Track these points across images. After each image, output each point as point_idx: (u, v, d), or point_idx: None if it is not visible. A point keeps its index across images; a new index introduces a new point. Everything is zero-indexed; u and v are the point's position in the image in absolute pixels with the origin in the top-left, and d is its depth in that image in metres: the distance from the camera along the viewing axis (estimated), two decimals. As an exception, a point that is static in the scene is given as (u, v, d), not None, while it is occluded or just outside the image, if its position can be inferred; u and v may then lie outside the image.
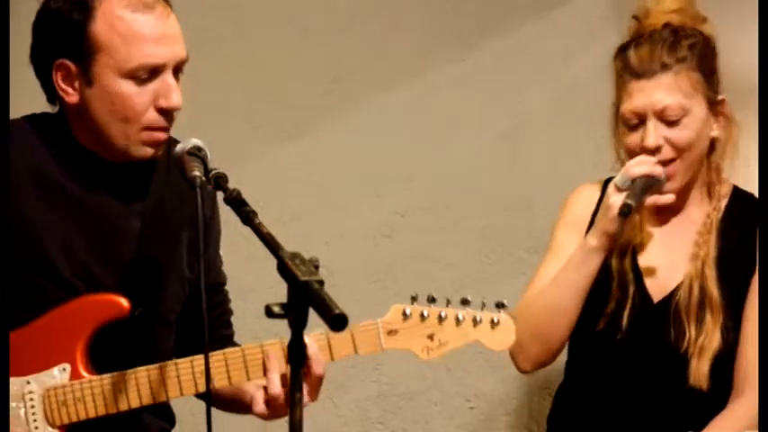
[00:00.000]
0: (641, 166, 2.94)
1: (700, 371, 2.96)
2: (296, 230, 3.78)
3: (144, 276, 2.64)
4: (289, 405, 2.44)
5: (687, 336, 2.98)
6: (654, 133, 2.97)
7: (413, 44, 3.98)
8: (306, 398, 2.49)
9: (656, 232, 3.10)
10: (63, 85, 2.55)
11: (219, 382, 2.58)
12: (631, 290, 3.03)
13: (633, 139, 3.01)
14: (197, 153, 2.51)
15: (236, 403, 2.74)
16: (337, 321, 2.10)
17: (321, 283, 2.16)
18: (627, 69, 3.01)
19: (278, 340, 2.58)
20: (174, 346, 2.79)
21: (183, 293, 2.73)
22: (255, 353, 2.59)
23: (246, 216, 2.38)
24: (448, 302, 2.65)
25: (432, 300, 2.64)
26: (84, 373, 2.55)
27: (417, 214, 3.97)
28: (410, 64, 3.98)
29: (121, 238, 2.63)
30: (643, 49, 3.00)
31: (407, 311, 2.63)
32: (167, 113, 2.56)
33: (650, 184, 2.94)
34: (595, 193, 3.13)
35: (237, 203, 2.41)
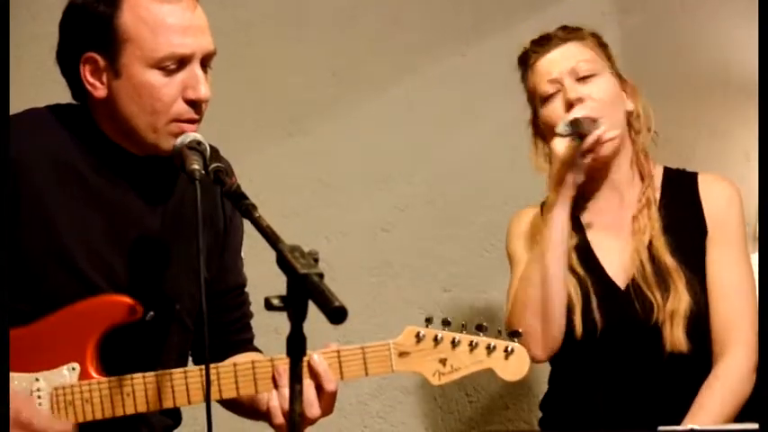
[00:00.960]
0: (579, 110, 3.02)
1: (675, 335, 3.00)
2: (296, 225, 3.78)
3: (160, 274, 2.64)
4: (304, 420, 2.49)
5: (654, 306, 3.01)
6: (571, 88, 3.05)
7: (412, 40, 3.98)
8: (318, 412, 2.54)
9: (604, 223, 3.14)
10: (91, 79, 2.54)
11: (227, 393, 2.57)
12: (599, 285, 3.07)
13: (552, 108, 3.08)
14: (196, 147, 2.51)
15: (253, 411, 2.72)
16: (337, 314, 2.09)
17: (321, 275, 2.15)
18: (533, 53, 3.12)
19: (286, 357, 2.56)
20: (192, 350, 2.79)
21: (199, 294, 2.66)
22: (266, 366, 2.57)
23: (246, 209, 2.38)
24: (463, 327, 2.61)
25: (446, 323, 2.61)
26: (94, 374, 2.54)
27: (417, 209, 3.98)
28: (410, 60, 3.99)
29: (141, 234, 2.62)
30: (541, 39, 3.14)
31: (421, 334, 2.59)
32: (196, 105, 2.55)
33: (591, 123, 3.00)
34: (536, 212, 3.21)
35: (237, 197, 2.42)
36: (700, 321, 3.02)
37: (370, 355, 2.60)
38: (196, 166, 2.46)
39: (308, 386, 2.53)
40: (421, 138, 3.98)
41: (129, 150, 2.60)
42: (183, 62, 2.53)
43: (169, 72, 2.52)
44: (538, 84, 3.11)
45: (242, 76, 3.87)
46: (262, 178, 3.72)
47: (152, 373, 2.55)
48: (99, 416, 2.54)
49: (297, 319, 2.17)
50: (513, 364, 2.61)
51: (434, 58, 4.00)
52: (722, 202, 3.10)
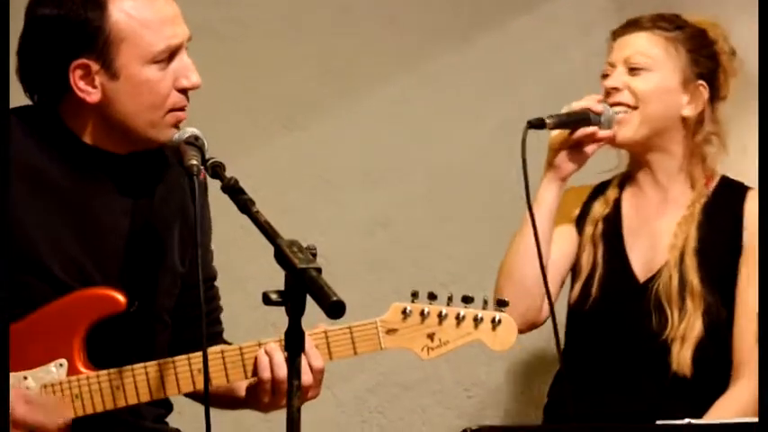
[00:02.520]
0: (585, 100, 3.08)
1: (682, 357, 3.00)
2: (293, 221, 3.77)
3: (135, 272, 2.62)
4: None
5: (669, 322, 3.01)
6: (616, 76, 3.10)
7: (409, 37, 3.98)
8: (311, 379, 2.53)
9: (641, 213, 3.15)
10: (83, 85, 2.51)
11: (217, 381, 2.56)
12: (618, 270, 3.09)
13: (602, 85, 3.14)
14: (194, 142, 2.52)
15: (230, 399, 2.71)
16: (335, 308, 2.10)
17: (319, 270, 2.16)
18: (612, 33, 3.17)
19: (277, 339, 2.56)
20: (169, 343, 2.77)
21: (175, 288, 2.71)
22: (253, 351, 2.57)
23: (244, 204, 2.38)
24: (449, 300, 2.59)
25: (432, 297, 2.59)
26: (82, 369, 2.53)
27: (414, 206, 3.98)
28: (406, 56, 3.99)
29: (112, 232, 2.61)
30: (630, 24, 3.16)
31: (408, 309, 2.58)
32: (186, 93, 2.58)
33: (588, 118, 3.05)
34: (583, 192, 3.25)
35: (235, 191, 2.41)
36: (706, 349, 3.01)
37: (357, 335, 2.60)
38: (194, 162, 2.47)
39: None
40: (418, 134, 3.98)
41: (106, 150, 2.59)
42: (173, 53, 2.54)
43: (163, 65, 2.53)
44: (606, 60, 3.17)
45: (238, 74, 3.87)
46: (259, 174, 3.72)
47: (140, 366, 2.55)
48: (90, 411, 2.53)
49: (295, 313, 2.18)
50: (501, 335, 2.60)
51: (432, 54, 3.99)
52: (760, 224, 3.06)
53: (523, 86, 4.03)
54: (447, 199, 3.97)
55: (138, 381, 2.53)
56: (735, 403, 2.99)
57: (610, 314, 3.08)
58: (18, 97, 2.63)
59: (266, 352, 2.56)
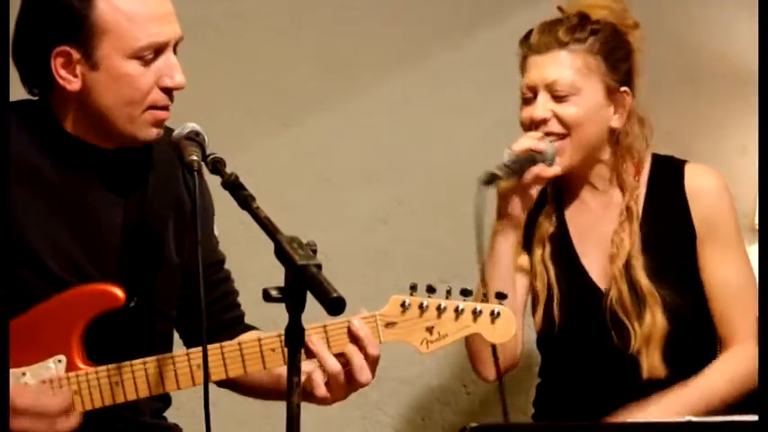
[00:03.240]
0: (525, 140, 2.99)
1: (651, 363, 2.97)
2: (294, 218, 3.77)
3: (131, 266, 2.62)
4: (349, 383, 2.52)
5: (632, 333, 2.99)
6: (542, 106, 3.01)
7: (409, 34, 3.98)
8: (370, 376, 2.54)
9: (587, 224, 3.10)
10: (63, 73, 2.51)
11: (216, 376, 2.55)
12: (579, 286, 3.06)
13: (526, 112, 3.05)
14: (195, 138, 2.51)
15: (279, 392, 2.67)
16: (335, 304, 2.10)
17: (319, 266, 2.16)
18: (526, 46, 3.06)
19: (276, 334, 2.55)
20: (181, 335, 2.78)
21: (174, 280, 2.71)
22: (252, 346, 2.56)
23: (244, 200, 2.38)
24: (448, 293, 2.58)
25: (431, 290, 2.57)
26: (81, 365, 2.53)
27: (415, 202, 3.98)
28: (407, 53, 3.99)
29: (106, 227, 2.61)
30: (544, 28, 3.04)
31: (406, 303, 2.57)
32: (170, 92, 2.56)
33: (533, 159, 2.97)
34: None
35: (235, 187, 2.41)
36: (677, 344, 2.99)
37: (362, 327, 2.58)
38: (194, 157, 2.47)
39: (354, 352, 2.53)
40: (418, 130, 3.98)
41: (92, 144, 2.58)
42: (159, 51, 2.52)
43: (147, 62, 2.51)
44: (522, 78, 3.07)
45: (238, 70, 3.87)
46: (260, 171, 3.72)
47: (139, 361, 2.54)
48: (89, 407, 2.52)
49: (295, 310, 2.18)
50: (500, 327, 2.59)
51: (431, 51, 3.99)
52: (709, 200, 3.03)
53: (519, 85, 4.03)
54: (446, 196, 3.97)
55: (137, 377, 2.53)
56: (730, 368, 2.98)
57: (578, 334, 3.05)
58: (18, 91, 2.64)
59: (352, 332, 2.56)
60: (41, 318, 2.52)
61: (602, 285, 3.05)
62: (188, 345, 2.71)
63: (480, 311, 2.58)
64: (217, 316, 2.75)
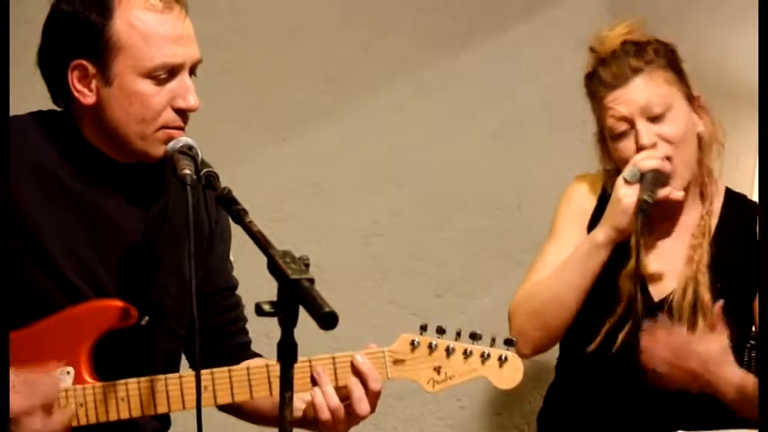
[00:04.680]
0: (650, 159, 2.93)
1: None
2: (288, 229, 3.78)
3: (146, 281, 2.63)
4: (348, 415, 2.55)
5: None
6: (646, 132, 2.96)
7: (405, 45, 3.99)
8: (368, 409, 2.56)
9: (652, 236, 3.08)
10: (79, 86, 2.54)
11: (222, 399, 2.57)
12: (632, 293, 3.00)
13: (624, 146, 3.00)
14: (188, 152, 2.51)
15: (260, 415, 2.75)
16: (327, 320, 2.09)
17: (311, 281, 2.15)
18: (601, 85, 3.01)
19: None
20: (187, 356, 2.78)
21: (187, 299, 2.65)
22: (241, 373, 2.57)
23: (237, 214, 2.37)
24: (458, 335, 2.62)
25: (441, 331, 2.61)
26: (88, 378, 2.54)
27: (409, 214, 3.98)
28: (402, 64, 3.99)
29: (125, 241, 2.61)
30: (610, 64, 3.01)
31: (416, 341, 2.60)
32: (183, 114, 2.57)
33: (659, 179, 2.93)
34: (597, 185, 3.14)
35: (228, 202, 2.41)
36: None
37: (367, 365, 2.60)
38: (187, 171, 2.47)
39: (355, 384, 2.56)
40: (413, 142, 3.99)
41: (112, 157, 2.60)
42: (173, 72, 2.55)
43: (160, 81, 2.53)
44: (608, 120, 3.01)
45: (235, 82, 3.87)
46: (255, 182, 3.73)
47: (147, 378, 2.54)
48: (93, 420, 2.53)
49: (288, 324, 2.17)
50: (507, 373, 2.63)
51: (427, 62, 4.00)
52: None
53: (519, 94, 4.04)
54: (442, 208, 3.97)
55: (143, 394, 2.53)
56: None
57: (619, 333, 3.02)
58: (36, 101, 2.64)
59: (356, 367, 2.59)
60: (54, 329, 2.54)
61: (654, 296, 3.03)
62: (194, 366, 2.71)
63: (489, 355, 2.62)
64: (224, 341, 2.78)
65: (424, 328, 2.60)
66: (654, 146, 2.96)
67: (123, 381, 2.54)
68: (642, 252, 3.00)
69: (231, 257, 2.82)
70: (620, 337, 3.00)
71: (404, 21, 3.99)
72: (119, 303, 2.55)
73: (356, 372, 2.58)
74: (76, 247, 2.57)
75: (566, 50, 4.01)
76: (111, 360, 2.57)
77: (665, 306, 3.02)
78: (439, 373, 2.60)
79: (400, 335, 2.62)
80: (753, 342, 3.16)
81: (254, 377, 2.57)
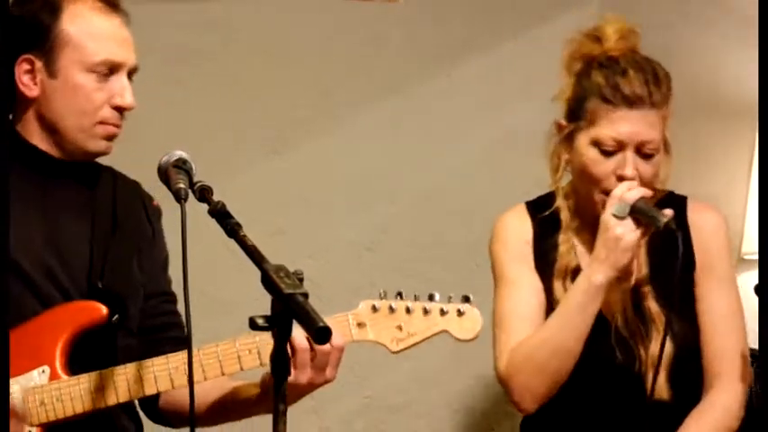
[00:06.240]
0: (634, 190, 2.90)
1: (657, 384, 2.94)
2: (280, 244, 3.78)
3: (103, 280, 2.72)
4: (313, 368, 2.58)
5: (636, 356, 2.97)
6: (632, 164, 2.92)
7: (397, 60, 4.00)
8: (328, 372, 2.60)
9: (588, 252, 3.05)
10: (25, 79, 2.71)
11: (211, 374, 2.63)
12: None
13: (606, 165, 2.95)
14: (182, 166, 2.55)
15: (233, 403, 2.75)
16: (321, 334, 2.10)
17: (305, 295, 2.16)
18: (617, 95, 2.94)
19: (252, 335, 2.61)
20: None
21: (139, 298, 2.81)
22: (229, 348, 2.63)
23: (231, 228, 2.39)
24: (416, 298, 2.72)
25: (399, 295, 2.72)
26: (63, 375, 2.63)
27: (401, 229, 3.98)
28: (394, 80, 4.00)
29: (73, 240, 2.73)
30: (634, 78, 2.94)
31: (377, 305, 2.70)
32: (121, 111, 2.73)
33: (651, 212, 2.88)
34: (525, 220, 3.12)
35: (222, 216, 2.42)
36: (684, 368, 2.99)
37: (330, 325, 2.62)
38: (182, 185, 2.50)
39: (304, 352, 2.59)
40: (405, 157, 3.99)
41: (54, 156, 2.73)
42: (113, 69, 2.72)
43: (101, 77, 2.70)
44: (603, 129, 2.94)
45: (227, 95, 3.88)
46: (247, 197, 3.72)
47: (121, 367, 2.63)
48: (70, 412, 2.61)
49: (281, 338, 2.18)
50: (467, 324, 2.70)
51: (420, 78, 4.01)
52: (709, 233, 3.03)
53: (511, 111, 4.05)
54: (434, 223, 3.98)
55: (117, 381, 2.61)
56: (711, 416, 2.96)
57: (587, 360, 2.99)
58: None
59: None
60: (29, 332, 2.63)
61: (607, 314, 3.01)
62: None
63: (447, 310, 2.70)
64: (152, 344, 2.81)
65: (383, 295, 2.71)
66: (633, 179, 2.92)
67: (96, 372, 2.62)
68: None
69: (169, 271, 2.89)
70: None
71: (398, 35, 4.00)
72: (90, 302, 2.66)
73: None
74: (35, 246, 2.67)
75: (557, 68, 4.02)
76: (85, 360, 2.65)
77: (611, 322, 3.00)
78: (401, 330, 2.68)
79: (362, 301, 2.70)
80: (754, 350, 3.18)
81: (223, 354, 2.62)
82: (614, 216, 2.89)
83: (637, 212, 2.88)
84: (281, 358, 2.18)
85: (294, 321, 2.46)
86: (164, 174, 2.55)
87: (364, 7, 3.97)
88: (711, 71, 3.83)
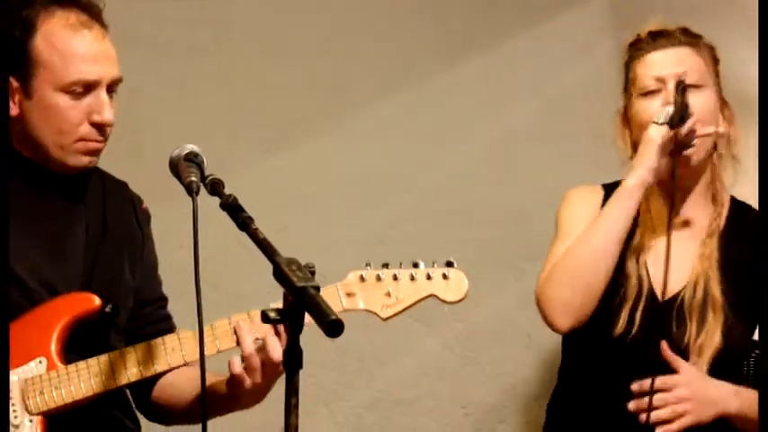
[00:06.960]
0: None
1: (699, 369, 2.96)
2: (286, 241, 3.76)
3: (95, 285, 2.73)
4: (263, 365, 2.59)
5: (688, 333, 2.98)
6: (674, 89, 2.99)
7: (401, 57, 3.99)
8: (276, 354, 2.58)
9: (662, 235, 3.07)
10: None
11: (225, 345, 2.65)
12: (640, 289, 3.03)
13: (647, 105, 3.03)
14: (193, 159, 2.55)
15: (219, 403, 2.74)
16: (333, 327, 2.10)
17: (317, 288, 2.17)
18: (647, 44, 3.05)
19: (245, 314, 2.65)
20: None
21: (129, 302, 2.82)
22: (223, 325, 2.66)
23: (243, 222, 2.40)
24: (401, 266, 2.77)
25: (385, 265, 2.76)
26: (59, 364, 2.66)
27: (406, 225, 3.97)
28: (399, 76, 3.99)
29: (70, 245, 2.74)
30: (661, 32, 3.06)
31: (364, 275, 2.75)
32: (100, 128, 2.71)
33: (686, 113, 2.95)
34: (598, 192, 3.16)
35: (234, 209, 2.43)
36: (723, 363, 2.99)
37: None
38: (193, 179, 2.50)
39: (269, 332, 2.61)
40: (410, 154, 3.99)
41: (44, 167, 2.73)
42: (89, 87, 2.69)
43: (76, 96, 2.68)
44: (642, 76, 3.05)
45: (231, 92, 3.87)
46: (254, 193, 3.70)
47: (114, 352, 2.66)
48: (69, 399, 2.64)
49: (294, 331, 2.18)
50: (453, 287, 2.77)
51: (423, 74, 4.00)
52: None
53: (516, 107, 4.04)
54: (439, 218, 3.97)
55: (127, 361, 2.65)
56: None
57: (629, 331, 3.02)
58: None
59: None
60: (25, 326, 2.66)
61: (659, 294, 3.02)
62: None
63: (432, 275, 2.76)
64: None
65: (369, 265, 2.76)
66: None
67: (91, 359, 2.65)
68: (650, 251, 3.03)
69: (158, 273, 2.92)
70: (638, 316, 3.00)
71: (400, 33, 4.00)
72: (83, 293, 2.70)
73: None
74: (27, 252, 2.68)
75: (564, 63, 4.03)
76: (80, 352, 2.68)
77: (674, 304, 3.02)
78: (390, 296, 2.74)
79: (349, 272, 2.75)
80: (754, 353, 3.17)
81: (217, 331, 2.66)
82: (655, 123, 2.96)
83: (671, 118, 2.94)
84: (294, 352, 2.18)
85: (243, 328, 2.61)
86: (175, 167, 2.55)
87: (363, 5, 3.97)
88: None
